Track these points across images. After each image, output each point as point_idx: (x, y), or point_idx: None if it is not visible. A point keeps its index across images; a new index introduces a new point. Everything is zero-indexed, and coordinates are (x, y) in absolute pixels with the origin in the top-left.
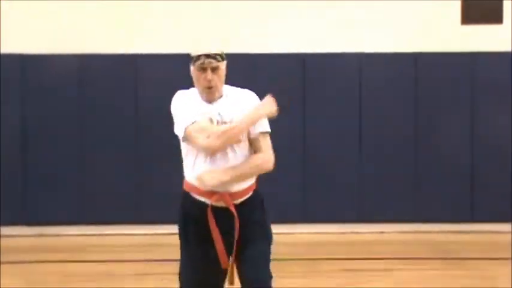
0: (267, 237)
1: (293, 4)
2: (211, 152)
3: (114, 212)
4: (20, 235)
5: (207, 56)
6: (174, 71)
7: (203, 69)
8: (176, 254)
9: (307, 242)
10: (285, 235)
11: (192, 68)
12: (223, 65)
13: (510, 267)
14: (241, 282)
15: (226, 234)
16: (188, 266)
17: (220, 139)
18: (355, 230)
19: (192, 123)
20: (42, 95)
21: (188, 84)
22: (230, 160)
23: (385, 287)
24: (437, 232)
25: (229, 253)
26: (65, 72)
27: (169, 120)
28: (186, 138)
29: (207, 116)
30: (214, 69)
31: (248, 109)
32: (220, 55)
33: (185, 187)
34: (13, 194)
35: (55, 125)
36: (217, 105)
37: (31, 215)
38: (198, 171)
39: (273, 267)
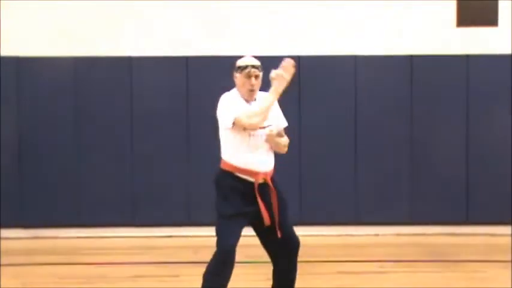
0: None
1: (288, 6)
2: (254, 128)
3: (109, 214)
4: (15, 237)
5: (253, 66)
6: (170, 73)
7: (249, 76)
8: (171, 257)
9: (302, 244)
10: None
11: (238, 74)
12: (261, 75)
13: (506, 269)
14: (284, 237)
15: (266, 203)
16: (230, 232)
17: (258, 116)
18: (351, 233)
19: (236, 115)
20: (38, 97)
21: (182, 86)
22: (264, 145)
23: None
24: (433, 234)
25: (270, 216)
26: (62, 75)
27: (164, 122)
28: (235, 124)
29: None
30: (257, 77)
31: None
32: (260, 66)
33: (227, 167)
34: (9, 196)
35: (51, 127)
36: (254, 104)
37: (27, 218)
38: (242, 155)
39: (268, 269)
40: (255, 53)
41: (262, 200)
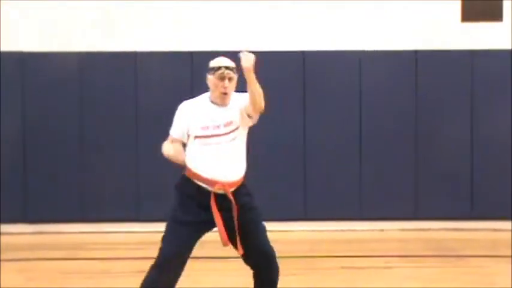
0: (261, 218)
1: (292, 1)
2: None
3: (113, 209)
4: (19, 233)
5: (226, 67)
6: (174, 68)
7: (222, 78)
8: None
9: (307, 239)
10: (285, 233)
11: (210, 76)
12: (235, 77)
13: (510, 264)
14: (251, 252)
15: (226, 216)
16: (175, 237)
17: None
18: (355, 228)
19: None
20: (42, 93)
21: (187, 81)
22: (230, 152)
23: (384, 285)
24: (437, 230)
25: (229, 232)
26: (65, 70)
27: (169, 118)
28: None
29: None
30: (230, 79)
31: (240, 105)
32: (235, 68)
33: (187, 173)
34: (13, 191)
35: (55, 122)
36: (226, 108)
37: (31, 213)
38: (201, 162)
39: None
40: (260, 49)
41: (222, 211)
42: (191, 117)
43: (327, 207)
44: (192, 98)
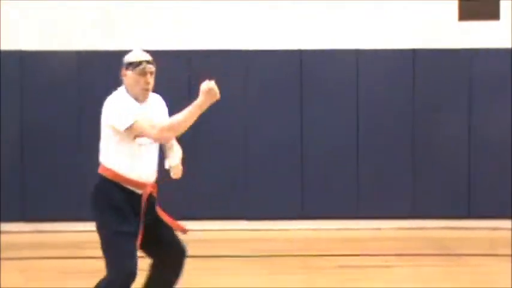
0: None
1: (291, 1)
2: (161, 141)
3: None
4: (18, 231)
5: (148, 61)
6: (173, 67)
7: (144, 73)
8: None
9: (304, 238)
10: (282, 231)
11: (129, 72)
12: (155, 71)
13: (508, 263)
14: (167, 247)
15: (151, 218)
16: (128, 242)
17: (172, 131)
18: (352, 227)
19: (137, 118)
20: (41, 92)
21: (185, 81)
22: (154, 152)
23: (382, 284)
24: (435, 228)
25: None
26: (64, 69)
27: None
28: (131, 128)
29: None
30: (152, 74)
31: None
32: (154, 62)
33: (110, 175)
34: (12, 190)
35: (54, 121)
36: (148, 105)
37: (29, 212)
38: (128, 163)
39: (270, 263)
40: (258, 47)
41: (147, 214)
42: (135, 111)
43: (324, 206)
44: (190, 97)
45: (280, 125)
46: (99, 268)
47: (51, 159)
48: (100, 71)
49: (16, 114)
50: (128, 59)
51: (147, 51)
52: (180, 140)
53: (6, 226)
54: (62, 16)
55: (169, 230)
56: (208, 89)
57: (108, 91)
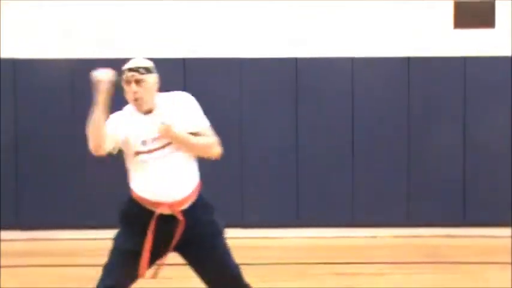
0: (218, 235)
1: (285, 8)
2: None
3: (108, 216)
4: (13, 239)
5: (130, 69)
6: (169, 75)
7: (128, 82)
8: (171, 258)
9: (299, 246)
10: (277, 239)
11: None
12: (149, 78)
13: (503, 271)
14: (214, 277)
15: (163, 243)
16: (117, 261)
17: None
18: (348, 234)
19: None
20: (35, 100)
21: (180, 88)
22: (172, 169)
23: None
24: (430, 236)
25: (153, 261)
26: (59, 77)
27: None
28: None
29: (140, 139)
30: (139, 82)
31: (182, 112)
32: (145, 68)
33: (131, 193)
34: (7, 198)
35: (49, 129)
36: (153, 117)
37: (25, 219)
38: (139, 181)
39: (266, 271)
40: (253, 55)
41: (158, 239)
42: (126, 129)
43: (319, 214)
44: None
45: (276, 133)
46: (95, 276)
47: (46, 166)
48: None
49: (11, 122)
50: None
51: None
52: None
53: (2, 234)
54: (57, 24)
55: (214, 264)
56: (164, 131)
57: None
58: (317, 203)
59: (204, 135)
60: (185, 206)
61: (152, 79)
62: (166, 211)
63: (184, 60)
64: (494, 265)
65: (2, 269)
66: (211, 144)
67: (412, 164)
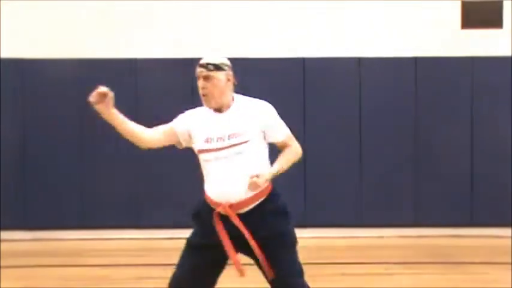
0: (287, 243)
1: (293, 8)
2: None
3: (113, 216)
4: (19, 239)
5: (200, 65)
6: (173, 75)
7: (198, 78)
8: (175, 258)
9: (306, 246)
10: None
11: None
12: (218, 75)
13: (510, 272)
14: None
15: (239, 242)
16: (182, 262)
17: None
18: (355, 235)
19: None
20: (41, 100)
21: (187, 89)
22: (235, 170)
23: None
24: (437, 236)
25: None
26: (64, 77)
27: None
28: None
29: (204, 137)
30: (207, 78)
31: (258, 121)
32: (214, 64)
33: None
34: (12, 198)
35: (55, 129)
36: (227, 115)
37: (30, 220)
38: (207, 180)
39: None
40: (260, 55)
41: (235, 237)
42: (193, 126)
43: (326, 214)
44: (192, 105)
45: None
46: (99, 276)
47: (51, 167)
48: (101, 78)
49: (16, 123)
50: None
51: (147, 59)
52: (186, 149)
53: (7, 234)
54: (62, 24)
55: (276, 271)
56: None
57: None
58: (324, 203)
59: (288, 142)
60: (244, 209)
61: (222, 76)
62: (225, 212)
63: (192, 60)
64: (501, 265)
65: (6, 269)
66: (297, 153)
67: (419, 164)
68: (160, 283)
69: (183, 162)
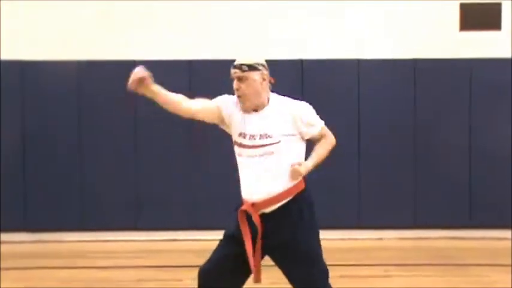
0: (302, 254)
1: (292, 10)
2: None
3: (112, 218)
4: (19, 241)
5: (234, 66)
6: (173, 77)
7: (232, 79)
8: (174, 260)
9: None
10: None
11: None
12: (252, 75)
13: (509, 274)
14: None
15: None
16: (214, 253)
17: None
18: (354, 236)
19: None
20: (41, 101)
21: (186, 90)
22: (262, 169)
23: None
24: (436, 238)
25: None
26: (65, 79)
27: (168, 127)
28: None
29: (238, 130)
30: (241, 79)
31: (291, 121)
32: (247, 65)
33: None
34: (13, 200)
35: (55, 131)
36: (261, 115)
37: (31, 221)
38: (240, 176)
39: (271, 274)
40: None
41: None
42: (234, 116)
43: (325, 216)
44: None
45: None
46: (99, 278)
47: (52, 168)
48: (101, 80)
49: (17, 124)
50: None
51: (147, 61)
52: (185, 151)
53: (7, 236)
54: (62, 26)
55: (296, 270)
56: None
57: (108, 100)
58: (323, 205)
59: (324, 134)
60: (268, 209)
61: (257, 76)
62: (248, 210)
63: (190, 62)
64: (501, 267)
65: (6, 271)
66: (331, 144)
67: (418, 166)
68: (160, 285)
69: (184, 164)
